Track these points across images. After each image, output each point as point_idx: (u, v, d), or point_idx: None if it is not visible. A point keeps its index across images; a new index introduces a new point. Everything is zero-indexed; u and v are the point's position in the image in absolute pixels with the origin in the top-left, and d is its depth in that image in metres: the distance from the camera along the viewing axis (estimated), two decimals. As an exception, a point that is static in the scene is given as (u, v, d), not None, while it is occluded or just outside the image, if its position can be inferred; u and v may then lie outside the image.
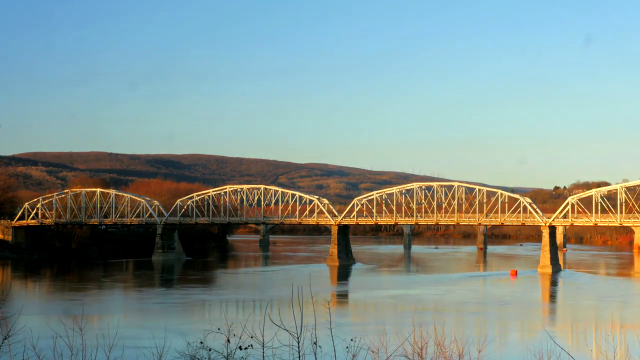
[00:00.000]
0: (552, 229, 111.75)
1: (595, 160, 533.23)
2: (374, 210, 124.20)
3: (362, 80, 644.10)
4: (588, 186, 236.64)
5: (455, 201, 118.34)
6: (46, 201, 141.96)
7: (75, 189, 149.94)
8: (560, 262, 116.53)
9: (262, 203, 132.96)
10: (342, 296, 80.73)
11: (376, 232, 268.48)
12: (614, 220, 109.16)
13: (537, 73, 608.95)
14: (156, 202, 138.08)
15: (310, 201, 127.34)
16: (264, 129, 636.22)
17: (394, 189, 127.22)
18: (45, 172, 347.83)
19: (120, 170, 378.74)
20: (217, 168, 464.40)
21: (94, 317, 53.33)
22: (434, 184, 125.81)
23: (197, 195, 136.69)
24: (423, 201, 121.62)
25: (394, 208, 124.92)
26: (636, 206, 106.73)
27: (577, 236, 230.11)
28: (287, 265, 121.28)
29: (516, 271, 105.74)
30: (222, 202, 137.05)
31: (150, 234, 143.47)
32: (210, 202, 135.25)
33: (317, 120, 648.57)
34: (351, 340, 13.89)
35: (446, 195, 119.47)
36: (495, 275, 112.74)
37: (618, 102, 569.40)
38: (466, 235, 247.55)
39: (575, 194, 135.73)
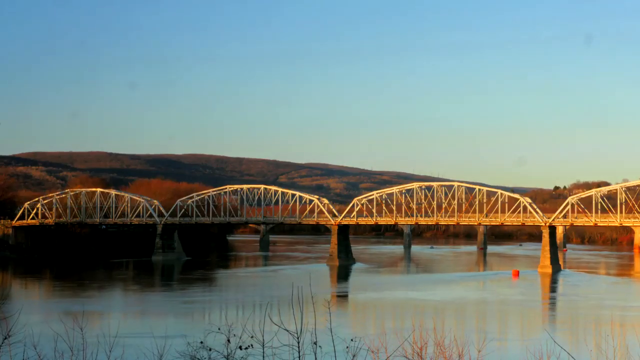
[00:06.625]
0: (552, 229, 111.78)
1: (595, 160, 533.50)
2: (374, 210, 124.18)
3: (362, 80, 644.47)
4: (588, 186, 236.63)
5: (455, 201, 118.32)
6: (46, 201, 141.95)
7: (75, 189, 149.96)
8: (560, 262, 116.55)
9: (262, 203, 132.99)
10: (342, 296, 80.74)
11: (377, 232, 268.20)
12: (614, 220, 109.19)
13: (537, 73, 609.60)
14: (156, 202, 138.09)
15: (310, 201, 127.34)
16: (264, 129, 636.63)
17: (394, 189, 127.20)
18: (45, 172, 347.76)
19: (120, 170, 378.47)
20: (217, 168, 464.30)
21: (95, 317, 53.37)
22: (434, 184, 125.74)
23: (197, 195, 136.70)
24: (423, 201, 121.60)
25: (394, 208, 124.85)
26: (636, 206, 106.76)
27: (579, 236, 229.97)
28: (287, 265, 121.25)
29: (518, 271, 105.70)
30: (222, 202, 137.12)
31: (150, 234, 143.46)
32: (210, 202, 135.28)
33: (317, 120, 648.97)
34: (351, 340, 13.89)
35: (446, 195, 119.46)
36: (495, 275, 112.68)
37: (618, 102, 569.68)
38: (467, 235, 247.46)
39: (575, 194, 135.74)
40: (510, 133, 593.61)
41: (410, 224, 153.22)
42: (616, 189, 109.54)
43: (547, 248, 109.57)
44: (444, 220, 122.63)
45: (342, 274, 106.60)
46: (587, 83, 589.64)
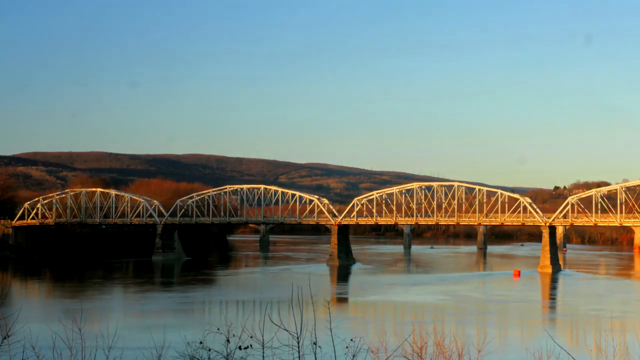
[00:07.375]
0: (552, 229, 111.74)
1: (595, 160, 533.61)
2: (374, 210, 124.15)
3: (362, 80, 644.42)
4: (588, 186, 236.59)
5: (455, 201, 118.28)
6: (46, 201, 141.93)
7: (75, 189, 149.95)
8: (560, 262, 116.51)
9: (262, 203, 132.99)
10: (342, 296, 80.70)
11: (377, 232, 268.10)
12: (614, 220, 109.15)
13: (537, 73, 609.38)
14: (156, 202, 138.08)
15: (310, 201, 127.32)
16: (264, 129, 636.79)
17: (394, 189, 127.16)
18: (45, 172, 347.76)
19: (120, 170, 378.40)
20: (217, 168, 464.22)
21: (94, 318, 53.29)
22: (434, 184, 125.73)
23: (197, 195, 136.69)
24: (423, 201, 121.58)
25: (394, 208, 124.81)
26: (636, 206, 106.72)
27: (579, 236, 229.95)
28: (287, 265, 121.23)
29: (519, 271, 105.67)
30: (222, 202, 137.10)
31: (150, 234, 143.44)
32: (210, 202, 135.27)
33: (317, 120, 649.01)
34: (351, 340, 13.84)
35: (446, 195, 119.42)
36: (495, 275, 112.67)
37: (618, 102, 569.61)
38: (467, 235, 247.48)
39: (575, 194, 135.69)
40: (511, 133, 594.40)
41: (410, 224, 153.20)
42: (616, 189, 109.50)
43: (547, 248, 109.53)
44: (444, 220, 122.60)
45: (342, 274, 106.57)
46: (587, 83, 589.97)
